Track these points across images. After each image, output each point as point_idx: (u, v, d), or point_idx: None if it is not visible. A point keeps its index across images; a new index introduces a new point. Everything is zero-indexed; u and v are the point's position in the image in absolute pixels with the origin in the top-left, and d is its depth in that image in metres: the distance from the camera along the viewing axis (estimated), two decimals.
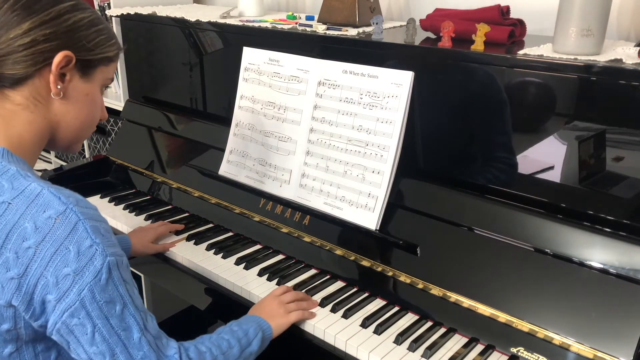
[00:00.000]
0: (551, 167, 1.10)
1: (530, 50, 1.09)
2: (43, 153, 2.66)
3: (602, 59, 1.02)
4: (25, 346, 0.84)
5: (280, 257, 1.36)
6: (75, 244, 0.78)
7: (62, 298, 0.78)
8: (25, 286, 0.78)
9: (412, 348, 1.04)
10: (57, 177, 1.72)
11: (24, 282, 0.78)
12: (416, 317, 1.13)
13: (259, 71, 1.47)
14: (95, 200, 1.67)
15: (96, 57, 0.91)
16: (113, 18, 1.92)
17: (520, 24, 1.25)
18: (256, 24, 1.54)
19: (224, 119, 1.60)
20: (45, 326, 0.81)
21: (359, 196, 1.27)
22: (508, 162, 1.15)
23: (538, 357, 0.99)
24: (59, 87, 0.87)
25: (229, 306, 1.25)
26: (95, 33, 0.90)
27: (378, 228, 1.24)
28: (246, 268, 1.30)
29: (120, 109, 1.96)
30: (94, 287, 0.78)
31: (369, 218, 1.25)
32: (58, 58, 0.85)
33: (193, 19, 1.63)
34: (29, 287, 0.78)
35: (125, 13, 1.83)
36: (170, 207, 1.62)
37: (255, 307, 1.13)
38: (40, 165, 2.76)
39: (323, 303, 1.17)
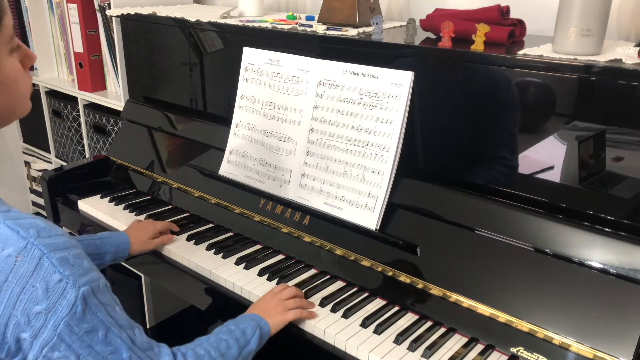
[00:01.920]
0: (551, 167, 1.10)
1: (530, 50, 1.09)
2: (43, 153, 2.66)
3: (602, 59, 1.02)
4: None
5: (280, 257, 1.36)
6: (42, 280, 0.72)
7: (37, 335, 0.73)
8: None
9: (412, 348, 1.04)
10: (57, 177, 1.72)
11: None
12: (416, 317, 1.13)
13: (259, 71, 1.48)
14: (95, 200, 1.68)
15: None
16: (113, 18, 1.92)
17: (520, 24, 1.25)
18: (256, 24, 1.54)
19: (224, 119, 1.60)
20: None
21: (359, 196, 1.27)
22: (508, 162, 1.15)
23: (538, 357, 0.99)
24: None
25: (229, 306, 1.25)
26: None
27: (378, 228, 1.24)
28: (246, 268, 1.30)
29: (120, 109, 1.96)
30: (70, 320, 0.73)
31: (369, 218, 1.25)
32: None
33: (193, 19, 1.63)
34: None
35: (125, 13, 1.83)
36: (170, 207, 1.62)
37: (254, 304, 1.13)
38: (40, 165, 2.76)
39: (323, 303, 1.17)
